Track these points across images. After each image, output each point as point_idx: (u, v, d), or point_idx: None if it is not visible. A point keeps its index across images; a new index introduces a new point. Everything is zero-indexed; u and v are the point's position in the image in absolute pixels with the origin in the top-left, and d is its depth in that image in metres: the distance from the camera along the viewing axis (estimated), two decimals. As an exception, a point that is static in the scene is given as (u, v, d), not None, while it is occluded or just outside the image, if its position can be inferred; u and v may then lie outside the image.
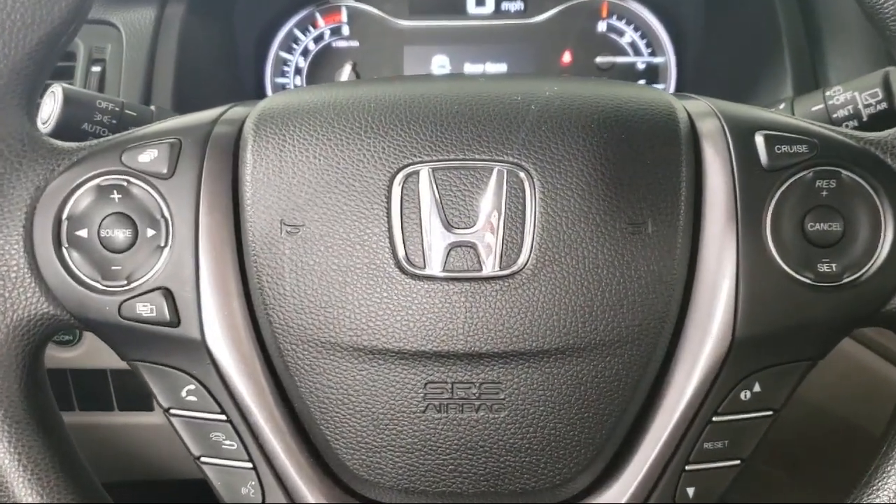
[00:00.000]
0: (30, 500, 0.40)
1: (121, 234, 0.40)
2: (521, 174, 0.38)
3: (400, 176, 0.38)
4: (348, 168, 0.39)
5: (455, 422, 0.39)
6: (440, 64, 0.81)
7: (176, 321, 0.39)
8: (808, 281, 0.38)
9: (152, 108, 0.55)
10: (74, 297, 0.40)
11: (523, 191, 0.38)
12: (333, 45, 0.81)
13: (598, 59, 0.80)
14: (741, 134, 0.39)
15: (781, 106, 0.51)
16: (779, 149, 0.38)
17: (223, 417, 0.40)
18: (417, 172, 0.38)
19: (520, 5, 0.80)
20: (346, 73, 0.80)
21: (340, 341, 0.39)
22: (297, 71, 0.81)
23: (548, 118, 0.39)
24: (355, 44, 0.81)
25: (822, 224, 0.38)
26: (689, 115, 0.41)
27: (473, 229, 0.38)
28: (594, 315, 0.38)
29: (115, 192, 0.40)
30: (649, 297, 0.38)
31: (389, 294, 0.38)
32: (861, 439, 0.60)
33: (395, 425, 0.39)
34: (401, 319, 0.38)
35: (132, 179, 0.40)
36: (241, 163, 0.40)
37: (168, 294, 0.39)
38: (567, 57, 0.80)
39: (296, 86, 0.81)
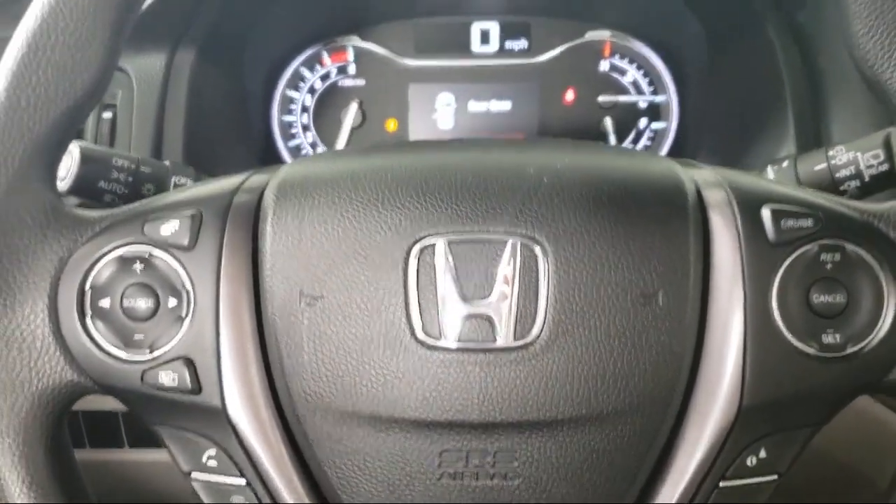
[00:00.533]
0: None
1: (143, 304, 0.40)
2: (535, 247, 0.39)
3: (416, 248, 0.39)
4: (366, 240, 0.39)
5: (470, 489, 0.40)
6: (445, 101, 0.81)
7: (197, 389, 0.40)
8: (812, 351, 0.39)
9: (167, 163, 0.55)
10: (98, 366, 0.40)
11: (537, 263, 0.38)
12: (340, 83, 0.82)
13: (601, 98, 0.80)
14: (748, 207, 0.40)
15: (785, 164, 0.52)
16: (785, 223, 0.39)
17: (243, 482, 0.41)
18: (433, 245, 0.39)
19: (524, 44, 0.81)
20: (352, 111, 0.81)
21: (357, 410, 0.39)
22: (304, 109, 0.82)
23: (559, 191, 0.40)
24: (361, 82, 0.82)
25: (826, 296, 0.39)
26: (697, 186, 0.41)
27: (488, 301, 0.38)
28: (606, 385, 0.38)
29: (137, 262, 0.40)
30: (660, 367, 0.39)
31: (406, 364, 0.39)
32: (865, 487, 0.61)
33: (411, 492, 0.40)
34: (417, 389, 0.39)
35: (154, 251, 0.40)
36: (260, 234, 0.40)
37: (189, 363, 0.40)
38: (570, 95, 0.81)
39: (303, 126, 0.82)
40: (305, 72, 0.81)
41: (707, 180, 0.42)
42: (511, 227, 0.39)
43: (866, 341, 0.39)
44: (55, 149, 0.41)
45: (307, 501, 0.41)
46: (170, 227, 0.40)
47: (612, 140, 0.80)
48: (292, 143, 0.82)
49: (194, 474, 0.42)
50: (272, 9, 0.76)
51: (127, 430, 0.71)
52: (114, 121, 0.67)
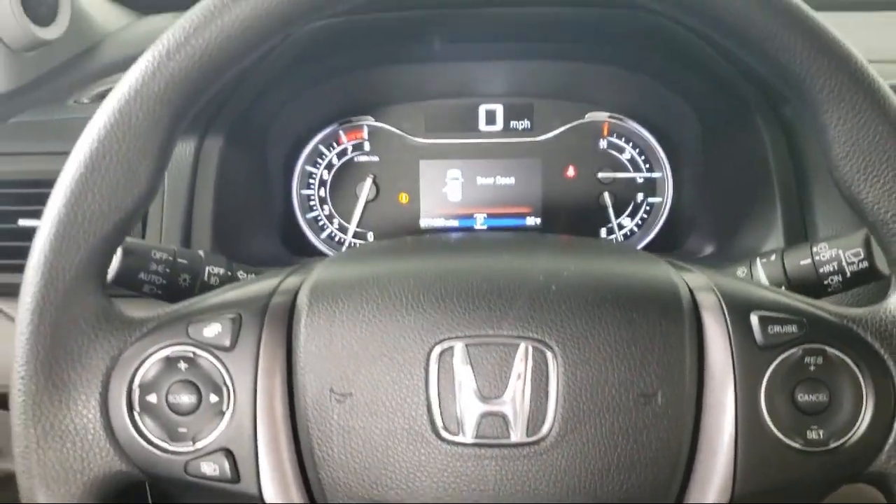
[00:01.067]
0: None
1: (187, 400, 0.43)
2: (545, 350, 0.42)
3: (437, 350, 0.42)
4: (391, 342, 0.43)
5: None
6: (454, 176, 0.85)
7: (236, 478, 0.43)
8: (798, 446, 0.42)
9: (200, 253, 0.59)
10: (144, 457, 0.43)
11: (547, 364, 0.42)
12: (355, 159, 0.86)
13: (600, 175, 0.84)
14: (738, 312, 0.43)
15: (773, 258, 0.55)
16: (771, 329, 0.43)
17: None
18: (452, 347, 0.42)
19: (527, 124, 0.85)
20: (367, 185, 0.85)
21: (383, 499, 0.42)
22: (322, 183, 0.86)
23: (566, 298, 0.43)
24: (375, 158, 0.86)
25: (810, 395, 0.42)
26: (690, 290, 0.45)
27: (503, 400, 0.42)
28: (610, 478, 0.42)
29: (181, 362, 0.44)
30: (659, 461, 0.42)
31: (427, 458, 0.42)
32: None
33: None
34: (437, 481, 0.42)
35: (198, 351, 0.44)
36: (294, 334, 0.44)
37: (229, 454, 0.43)
38: (571, 171, 0.84)
39: (321, 199, 0.86)
40: (324, 149, 0.85)
41: (699, 284, 0.45)
42: (523, 331, 0.42)
43: (847, 437, 0.42)
44: (107, 257, 0.44)
45: None
46: (212, 330, 0.44)
47: (611, 213, 0.84)
48: (310, 214, 0.86)
49: None
50: (296, 98, 0.80)
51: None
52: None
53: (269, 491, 0.43)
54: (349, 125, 0.85)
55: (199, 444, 0.43)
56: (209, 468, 0.43)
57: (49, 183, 0.70)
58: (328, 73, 0.80)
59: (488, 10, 0.74)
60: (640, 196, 0.84)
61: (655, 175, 0.84)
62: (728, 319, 0.43)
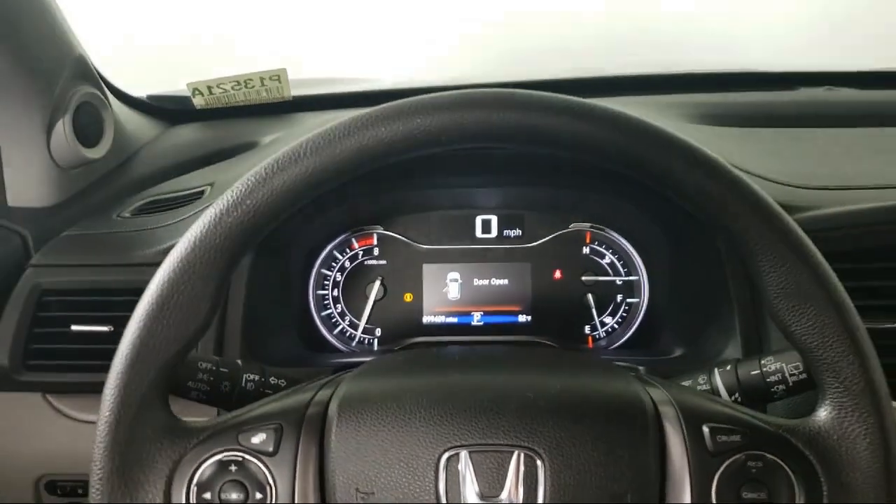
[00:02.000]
0: None
1: (235, 497, 0.51)
2: (535, 457, 0.50)
3: (445, 456, 0.50)
4: (406, 449, 0.51)
5: None
6: (453, 278, 0.94)
7: None
8: None
9: (239, 362, 0.67)
10: None
11: (536, 469, 0.50)
12: (365, 262, 0.94)
13: (584, 278, 0.93)
14: (692, 424, 0.52)
15: (728, 367, 0.64)
16: (719, 438, 0.51)
17: None
18: (458, 454, 0.51)
19: (518, 232, 0.94)
20: (375, 286, 0.93)
21: None
22: (335, 284, 0.94)
23: (552, 412, 0.52)
24: (383, 262, 0.94)
25: (752, 493, 0.50)
26: (654, 404, 0.53)
27: (500, 499, 0.50)
28: None
29: (232, 465, 0.52)
30: None
31: None
32: None
33: None
34: None
35: (246, 456, 0.52)
36: (326, 441, 0.52)
37: None
38: (558, 274, 0.93)
39: (334, 298, 0.94)
40: (337, 254, 0.94)
41: (661, 399, 0.54)
42: (516, 440, 0.51)
43: None
44: (170, 378, 0.53)
45: None
46: (258, 438, 0.52)
47: (594, 313, 0.93)
48: (324, 312, 0.94)
49: None
50: (315, 211, 0.90)
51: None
52: None
53: None
54: (361, 233, 0.94)
55: None
56: None
57: (99, 292, 0.79)
58: (345, 194, 0.90)
59: (480, 151, 0.83)
60: (619, 297, 0.93)
61: (633, 278, 0.93)
62: (685, 430, 0.52)
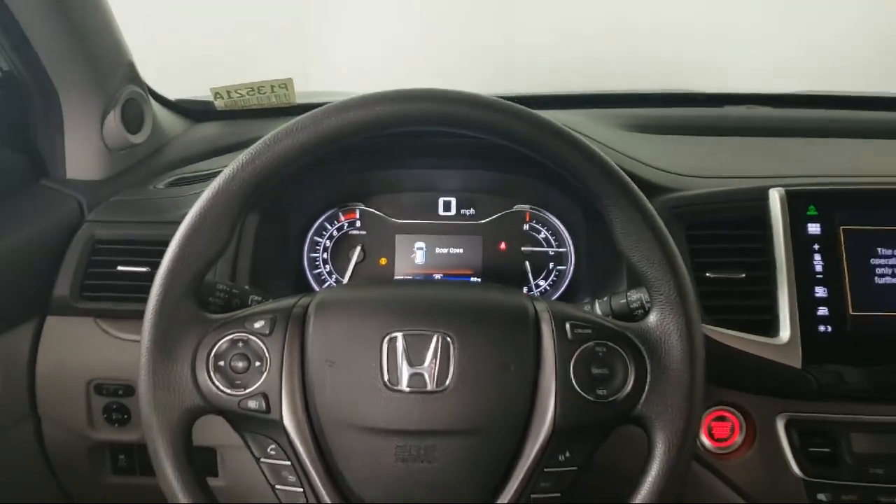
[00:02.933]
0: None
1: (241, 364, 0.72)
2: (449, 339, 0.71)
3: (387, 338, 0.72)
4: (360, 333, 0.72)
5: (411, 468, 0.70)
6: (419, 247, 1.15)
7: (268, 411, 0.71)
8: (592, 399, 0.70)
9: (246, 287, 0.88)
10: (215, 397, 0.71)
11: (449, 347, 0.71)
12: (349, 232, 1.16)
13: (523, 249, 1.14)
14: (559, 322, 0.72)
15: (605, 298, 0.85)
16: (576, 331, 0.72)
17: (289, 463, 0.72)
18: (396, 336, 0.72)
19: (472, 211, 1.15)
20: (356, 252, 1.14)
21: (354, 424, 0.70)
22: (325, 249, 1.16)
23: (463, 310, 0.73)
24: (363, 232, 1.16)
25: (598, 370, 0.71)
26: (535, 310, 0.75)
27: (424, 366, 0.71)
28: (484, 414, 0.70)
29: (240, 343, 0.72)
30: (513, 406, 0.70)
31: (379, 399, 0.70)
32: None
33: (381, 469, 0.71)
34: (385, 412, 0.70)
35: (250, 336, 0.73)
36: (306, 329, 0.73)
37: (265, 396, 0.71)
38: (503, 245, 1.14)
39: (323, 260, 1.16)
40: (327, 224, 1.16)
41: (541, 308, 0.75)
42: (436, 328, 0.71)
43: (619, 394, 0.70)
44: (197, 284, 0.74)
45: (323, 475, 0.71)
46: (258, 324, 0.73)
47: (530, 277, 1.14)
48: (315, 271, 1.16)
49: (262, 460, 0.73)
50: (309, 189, 1.12)
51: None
52: None
53: (287, 418, 0.70)
54: (346, 208, 1.15)
55: (248, 391, 0.71)
56: (253, 404, 0.71)
57: (138, 241, 1.00)
58: (332, 174, 1.12)
59: (441, 140, 1.03)
60: (551, 264, 1.14)
61: (562, 250, 1.14)
62: (553, 325, 0.72)
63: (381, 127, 0.73)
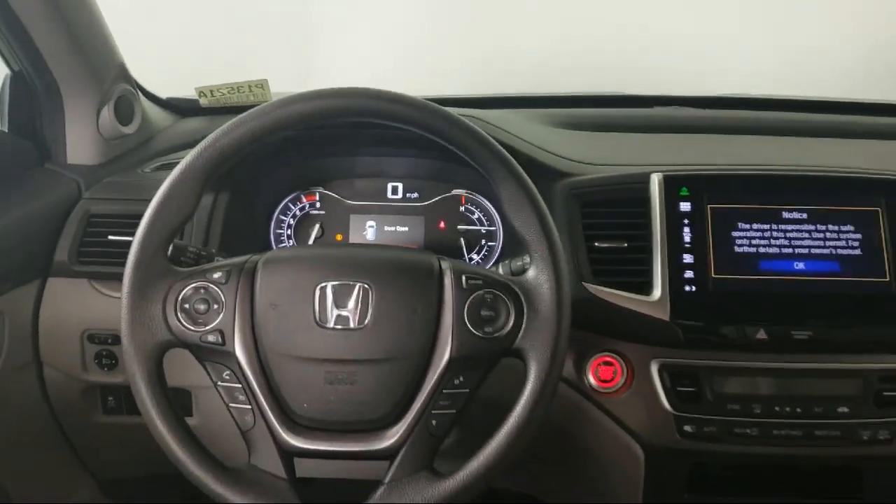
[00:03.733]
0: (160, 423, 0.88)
1: (202, 307, 0.88)
2: (368, 287, 0.88)
3: (319, 287, 0.88)
4: (298, 284, 0.88)
5: (337, 388, 0.86)
6: (370, 225, 1.32)
7: (223, 344, 0.88)
8: (480, 335, 0.86)
9: (213, 250, 1.05)
10: (181, 333, 0.87)
11: (368, 294, 0.88)
12: (310, 212, 1.32)
13: (459, 227, 1.30)
14: (457, 275, 0.88)
15: (506, 261, 1.01)
16: (470, 282, 0.88)
17: (240, 386, 0.87)
18: (326, 286, 0.89)
19: (416, 195, 1.31)
20: (315, 229, 1.31)
21: (292, 355, 0.86)
22: (289, 226, 1.32)
23: (381, 265, 0.90)
24: (322, 212, 1.32)
25: (487, 312, 0.87)
26: (440, 266, 0.92)
27: (348, 309, 0.88)
28: (396, 346, 0.86)
29: (202, 290, 0.88)
30: (419, 341, 0.85)
31: (312, 335, 0.86)
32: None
33: (313, 388, 0.86)
34: (317, 345, 0.85)
35: (209, 285, 0.89)
36: (255, 280, 0.89)
37: (221, 332, 0.87)
38: (442, 224, 1.31)
39: (287, 235, 1.33)
40: (291, 205, 1.32)
41: (445, 266, 0.90)
42: (359, 279, 0.88)
43: (501, 331, 0.85)
44: (167, 245, 0.89)
45: (268, 396, 0.88)
46: (217, 275, 0.88)
47: (465, 252, 1.31)
48: (280, 245, 1.33)
49: (219, 383, 0.89)
50: (275, 174, 1.29)
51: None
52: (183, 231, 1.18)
53: (239, 350, 0.87)
54: (307, 191, 1.31)
55: (207, 328, 0.86)
56: (212, 338, 0.87)
57: (126, 216, 1.18)
58: (296, 162, 1.29)
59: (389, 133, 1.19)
60: (483, 241, 1.30)
61: (492, 229, 1.31)
62: (453, 278, 0.89)
63: (314, 119, 0.89)
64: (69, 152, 1.28)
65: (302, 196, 1.32)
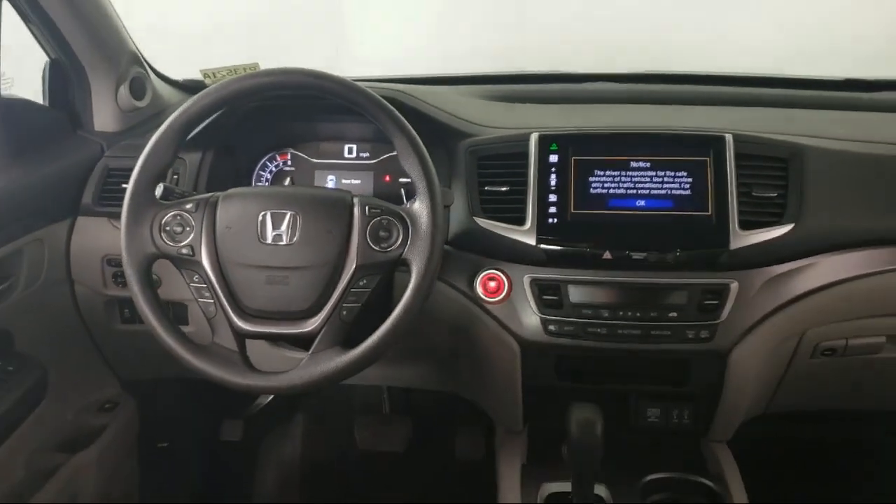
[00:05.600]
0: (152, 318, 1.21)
1: (178, 229, 1.18)
2: (296, 214, 1.19)
3: (261, 214, 1.19)
4: (246, 212, 1.20)
5: (274, 287, 1.16)
6: (330, 179, 1.63)
7: (193, 255, 1.19)
8: (378, 249, 1.16)
9: (194, 192, 1.38)
10: (164, 247, 1.18)
11: (297, 220, 1.18)
12: (283, 168, 1.64)
13: (401, 180, 1.61)
14: (362, 205, 1.19)
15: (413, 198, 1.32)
16: (371, 210, 1.18)
17: (205, 286, 1.19)
18: (266, 213, 1.20)
19: (367, 154, 1.62)
20: (286, 181, 1.63)
21: (242, 263, 1.17)
22: (266, 181, 1.64)
23: (305, 199, 1.21)
24: (293, 168, 1.62)
25: (383, 233, 1.17)
26: (352, 200, 1.22)
27: (282, 230, 1.19)
28: (316, 257, 1.16)
29: (178, 216, 1.20)
30: (332, 253, 1.16)
31: (256, 248, 1.17)
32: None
33: (257, 287, 1.18)
34: (259, 256, 1.16)
35: (183, 213, 1.20)
36: (216, 209, 1.21)
37: (192, 247, 1.19)
38: (387, 178, 1.60)
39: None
40: (268, 163, 1.64)
41: (356, 199, 1.21)
42: (290, 209, 1.20)
43: (393, 247, 1.15)
44: (154, 184, 1.22)
45: (228, 294, 1.20)
46: (189, 205, 1.19)
47: (405, 199, 1.61)
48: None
49: (191, 284, 1.21)
50: (253, 137, 1.61)
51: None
52: (177, 179, 1.51)
53: (204, 259, 1.18)
54: (281, 151, 1.61)
55: (181, 244, 1.18)
56: (185, 251, 1.18)
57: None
58: (268, 127, 1.60)
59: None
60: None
61: None
62: (363, 209, 1.19)
63: (264, 90, 1.21)
64: (95, 122, 1.62)
65: (276, 155, 1.62)
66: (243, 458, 1.93)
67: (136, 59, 1.64)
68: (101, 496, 1.52)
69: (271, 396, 2.04)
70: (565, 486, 1.30)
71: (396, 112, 1.18)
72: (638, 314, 1.30)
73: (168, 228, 1.19)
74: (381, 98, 1.19)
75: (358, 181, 1.61)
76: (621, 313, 1.30)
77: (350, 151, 1.62)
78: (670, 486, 1.37)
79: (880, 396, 1.49)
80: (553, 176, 1.34)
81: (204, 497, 1.86)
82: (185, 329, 1.22)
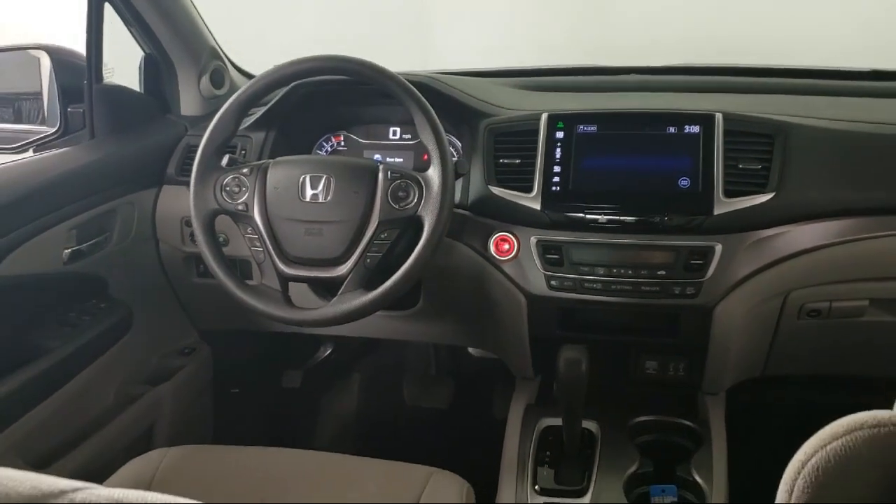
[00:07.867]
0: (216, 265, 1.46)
1: (236, 189, 1.43)
2: (330, 177, 1.42)
3: (302, 177, 1.43)
4: (290, 176, 1.43)
5: (312, 238, 1.39)
6: (377, 158, 1.85)
7: (247, 211, 1.43)
8: (397, 207, 1.37)
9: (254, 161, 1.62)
10: (224, 203, 1.42)
11: (330, 182, 1.42)
12: (337, 149, 1.87)
13: None
14: (385, 171, 1.39)
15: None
16: (392, 174, 1.39)
17: (256, 237, 1.43)
18: (306, 177, 1.43)
19: (409, 136, 1.83)
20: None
21: (286, 217, 1.40)
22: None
23: (339, 165, 1.43)
24: (346, 149, 1.83)
25: (402, 193, 1.38)
26: (378, 167, 1.43)
27: (318, 190, 1.42)
28: (346, 212, 1.38)
29: (236, 179, 1.44)
30: (359, 210, 1.37)
31: (297, 205, 1.40)
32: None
33: (297, 237, 1.40)
34: (300, 212, 1.40)
35: (241, 176, 1.44)
36: (267, 174, 1.44)
37: (246, 204, 1.43)
38: (425, 157, 1.82)
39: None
40: (324, 143, 1.88)
41: (381, 166, 1.43)
42: (325, 173, 1.42)
43: (410, 205, 1.36)
44: (220, 153, 1.47)
45: (277, 246, 1.43)
46: (245, 170, 1.44)
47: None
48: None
49: (245, 235, 1.44)
50: (309, 120, 1.84)
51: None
52: (244, 154, 1.76)
53: (256, 214, 1.42)
54: (335, 133, 1.85)
55: (238, 201, 1.42)
56: (241, 207, 1.42)
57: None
58: (324, 110, 1.84)
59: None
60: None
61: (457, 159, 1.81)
62: (387, 174, 1.40)
63: (310, 73, 1.44)
64: (182, 107, 1.89)
65: (331, 136, 1.87)
66: (303, 406, 2.18)
67: (216, 54, 1.91)
68: (176, 424, 1.79)
69: (329, 351, 2.28)
70: (558, 421, 1.46)
71: (418, 93, 1.39)
72: (630, 272, 1.45)
73: (228, 189, 1.43)
74: (405, 81, 1.40)
75: (401, 159, 1.82)
76: (615, 271, 1.46)
77: (394, 133, 1.84)
78: (658, 427, 1.52)
79: (868, 362, 1.59)
80: (558, 150, 1.51)
81: (269, 439, 2.12)
82: (249, 283, 1.47)
